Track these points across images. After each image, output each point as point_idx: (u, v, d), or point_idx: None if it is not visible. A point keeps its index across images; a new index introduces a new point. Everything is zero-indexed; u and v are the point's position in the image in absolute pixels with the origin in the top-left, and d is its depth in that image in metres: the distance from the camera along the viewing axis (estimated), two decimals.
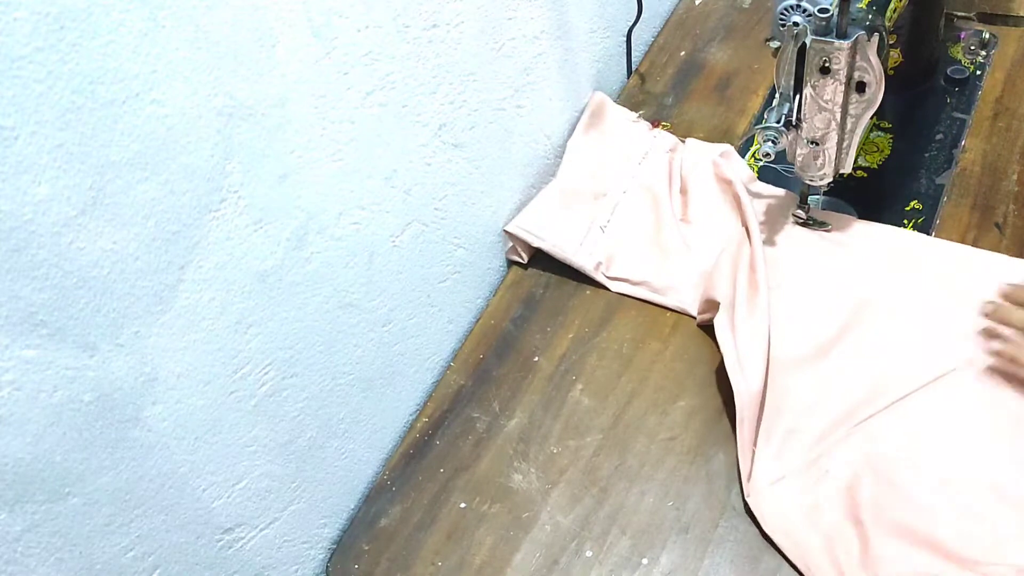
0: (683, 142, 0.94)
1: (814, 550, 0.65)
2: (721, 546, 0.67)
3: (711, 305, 0.77)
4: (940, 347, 0.73)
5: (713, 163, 0.89)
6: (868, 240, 0.81)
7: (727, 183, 0.87)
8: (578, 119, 0.96)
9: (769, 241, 0.83)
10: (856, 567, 0.64)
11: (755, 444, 0.70)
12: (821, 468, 0.69)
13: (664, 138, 0.94)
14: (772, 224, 0.84)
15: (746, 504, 0.68)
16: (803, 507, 0.68)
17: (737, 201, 0.85)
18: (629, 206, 0.90)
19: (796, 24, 0.70)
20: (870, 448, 0.69)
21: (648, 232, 0.88)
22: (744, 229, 0.82)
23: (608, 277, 0.86)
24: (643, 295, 0.84)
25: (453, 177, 0.79)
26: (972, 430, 0.68)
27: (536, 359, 0.81)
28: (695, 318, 0.81)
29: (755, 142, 0.93)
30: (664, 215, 0.88)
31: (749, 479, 0.69)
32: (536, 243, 0.87)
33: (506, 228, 0.88)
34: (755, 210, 0.83)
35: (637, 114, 0.98)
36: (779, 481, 0.69)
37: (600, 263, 0.86)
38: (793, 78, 0.73)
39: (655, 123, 0.98)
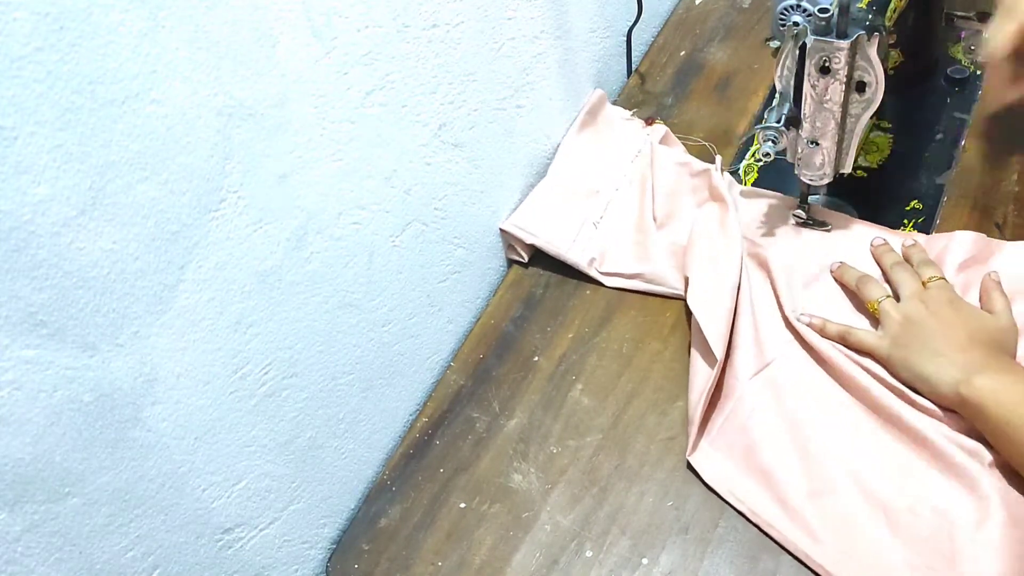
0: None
1: (753, 492, 0.68)
2: (721, 546, 0.67)
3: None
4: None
5: (678, 163, 0.90)
6: (868, 239, 0.81)
7: (694, 172, 0.88)
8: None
9: (769, 241, 0.83)
10: (802, 498, 0.66)
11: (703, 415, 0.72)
12: (747, 407, 0.71)
13: (657, 133, 0.94)
14: (772, 225, 0.84)
15: (688, 464, 0.71)
16: (739, 449, 0.70)
17: (705, 186, 0.86)
18: (621, 202, 0.90)
19: (796, 24, 0.70)
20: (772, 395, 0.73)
21: (638, 226, 0.88)
22: (715, 205, 0.84)
23: (601, 273, 0.86)
24: (638, 287, 0.84)
25: (453, 177, 0.79)
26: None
27: (536, 359, 0.81)
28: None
29: (755, 142, 0.93)
30: (647, 209, 0.88)
31: (696, 443, 0.71)
32: (530, 240, 0.87)
33: (501, 226, 0.88)
34: (735, 197, 0.84)
35: (631, 112, 0.98)
36: (713, 432, 0.72)
37: (593, 259, 0.86)
38: (793, 78, 0.73)
39: (649, 121, 0.98)
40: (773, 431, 0.70)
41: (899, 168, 0.87)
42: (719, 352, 0.72)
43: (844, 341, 0.73)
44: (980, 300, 0.73)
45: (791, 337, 0.76)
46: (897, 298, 0.73)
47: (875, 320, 0.74)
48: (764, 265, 0.80)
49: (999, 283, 0.72)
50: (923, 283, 0.73)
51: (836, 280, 0.78)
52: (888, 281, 0.75)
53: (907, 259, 0.76)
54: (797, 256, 0.80)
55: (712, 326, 0.73)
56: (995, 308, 0.70)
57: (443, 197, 0.78)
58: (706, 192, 0.87)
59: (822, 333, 0.74)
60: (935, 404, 0.67)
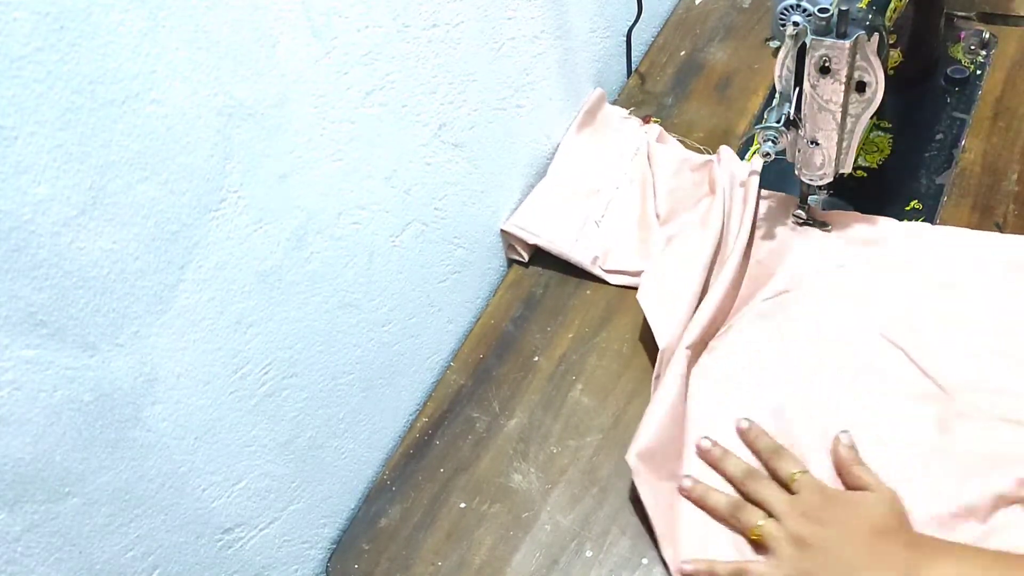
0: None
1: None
2: None
3: None
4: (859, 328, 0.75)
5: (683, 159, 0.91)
6: (871, 235, 0.81)
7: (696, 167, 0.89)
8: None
9: (770, 242, 0.83)
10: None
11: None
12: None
13: (652, 132, 0.94)
14: (772, 225, 0.84)
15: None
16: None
17: (707, 180, 0.86)
18: (622, 200, 0.90)
19: (796, 24, 0.70)
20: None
21: (640, 223, 0.88)
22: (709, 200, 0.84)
23: (605, 271, 0.86)
24: None
25: (453, 177, 0.79)
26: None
27: (536, 359, 0.81)
28: None
29: (755, 142, 0.93)
30: (649, 206, 0.88)
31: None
32: (532, 240, 0.87)
33: (502, 226, 0.88)
34: (733, 182, 0.84)
35: (628, 110, 0.98)
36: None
37: (596, 257, 0.86)
38: (793, 78, 0.73)
39: (646, 119, 0.98)
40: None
41: (899, 168, 0.87)
42: (662, 342, 0.73)
43: None
44: (841, 479, 0.66)
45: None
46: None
47: (763, 547, 0.63)
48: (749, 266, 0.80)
49: (852, 448, 0.66)
50: (789, 482, 0.65)
51: (701, 503, 0.68)
52: (752, 501, 0.66)
53: (759, 454, 0.69)
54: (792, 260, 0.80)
55: (660, 320, 0.75)
56: (868, 483, 0.63)
57: (443, 197, 0.78)
58: (707, 187, 0.87)
59: (711, 573, 0.64)
60: None
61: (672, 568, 0.65)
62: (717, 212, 0.80)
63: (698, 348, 0.75)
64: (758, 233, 0.83)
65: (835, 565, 0.60)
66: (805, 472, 0.65)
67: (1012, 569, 0.56)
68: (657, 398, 0.70)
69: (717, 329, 0.77)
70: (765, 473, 0.67)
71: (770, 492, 0.65)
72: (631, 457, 0.66)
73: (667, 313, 0.75)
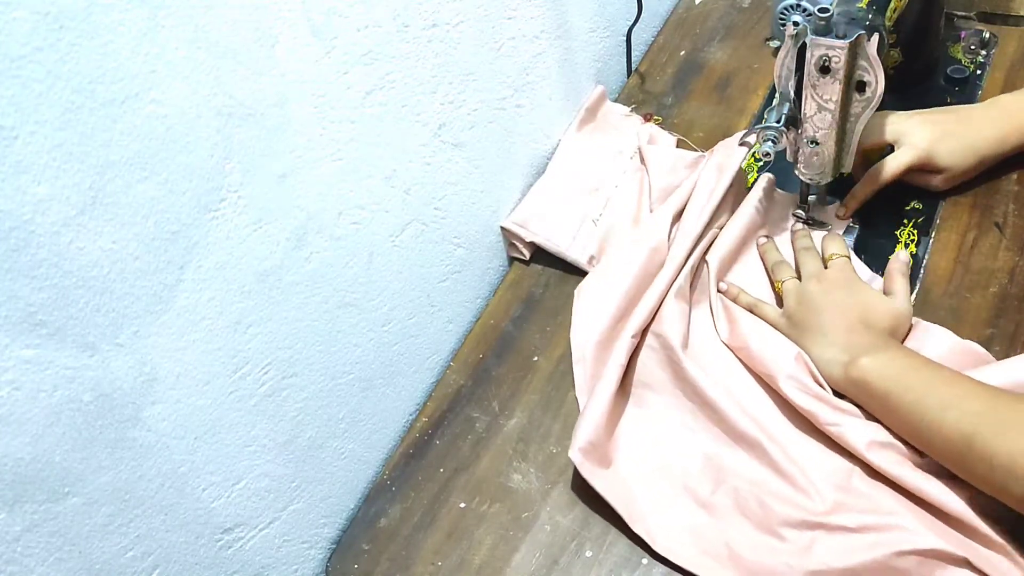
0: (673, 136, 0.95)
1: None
2: None
3: None
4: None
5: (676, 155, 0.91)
6: None
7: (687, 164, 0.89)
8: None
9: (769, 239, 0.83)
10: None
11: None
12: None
13: (645, 132, 0.94)
14: (772, 224, 0.84)
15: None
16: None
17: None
18: (619, 199, 0.90)
19: (796, 24, 0.70)
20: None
21: (634, 222, 0.88)
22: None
23: None
24: None
25: (453, 177, 0.79)
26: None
27: (536, 359, 0.81)
28: None
29: (755, 142, 0.93)
30: (645, 205, 0.88)
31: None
32: (530, 238, 0.87)
33: (502, 224, 0.88)
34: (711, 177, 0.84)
35: (630, 108, 0.98)
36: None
37: (593, 256, 0.86)
38: (793, 78, 0.73)
39: (647, 117, 0.98)
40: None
41: None
42: (576, 336, 0.78)
43: (753, 313, 0.76)
44: (884, 283, 0.75)
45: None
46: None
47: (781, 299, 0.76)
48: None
49: (906, 265, 0.74)
50: (825, 260, 0.75)
51: (760, 255, 0.81)
52: (795, 262, 0.78)
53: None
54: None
55: (581, 313, 0.79)
56: (894, 290, 0.72)
57: (443, 197, 0.78)
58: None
59: (735, 302, 0.77)
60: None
61: (650, 541, 0.67)
62: (666, 208, 0.83)
63: (641, 335, 0.76)
64: (759, 232, 0.83)
65: (813, 324, 0.71)
66: (845, 256, 0.75)
67: (942, 381, 0.62)
68: (597, 392, 0.71)
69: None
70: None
71: (809, 257, 0.76)
72: (574, 453, 0.68)
73: (592, 307, 0.79)
